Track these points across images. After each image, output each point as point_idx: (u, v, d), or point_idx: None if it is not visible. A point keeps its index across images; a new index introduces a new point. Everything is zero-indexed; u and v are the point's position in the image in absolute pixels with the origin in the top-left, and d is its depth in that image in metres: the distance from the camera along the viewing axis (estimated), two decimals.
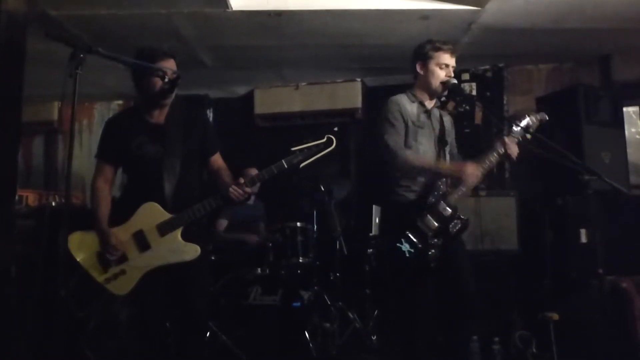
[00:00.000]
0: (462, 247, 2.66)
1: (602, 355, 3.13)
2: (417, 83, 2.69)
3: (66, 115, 2.02)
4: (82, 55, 1.86)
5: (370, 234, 4.26)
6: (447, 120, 2.78)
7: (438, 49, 2.59)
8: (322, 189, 4.07)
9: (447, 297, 2.53)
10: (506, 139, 2.51)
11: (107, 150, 2.46)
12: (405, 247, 2.42)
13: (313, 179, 4.11)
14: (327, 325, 3.79)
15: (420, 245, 2.43)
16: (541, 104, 4.21)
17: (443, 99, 2.86)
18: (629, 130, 4.24)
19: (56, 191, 5.02)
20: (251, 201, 4.47)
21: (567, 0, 3.45)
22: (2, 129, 2.62)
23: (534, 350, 3.50)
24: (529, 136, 2.54)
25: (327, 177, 4.27)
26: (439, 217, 2.49)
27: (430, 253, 2.44)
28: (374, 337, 3.87)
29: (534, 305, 3.64)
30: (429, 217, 2.48)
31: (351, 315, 3.96)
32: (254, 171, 2.41)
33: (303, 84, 5.15)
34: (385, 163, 2.61)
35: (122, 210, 2.36)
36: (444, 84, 2.59)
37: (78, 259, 2.31)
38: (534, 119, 2.57)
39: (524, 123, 2.52)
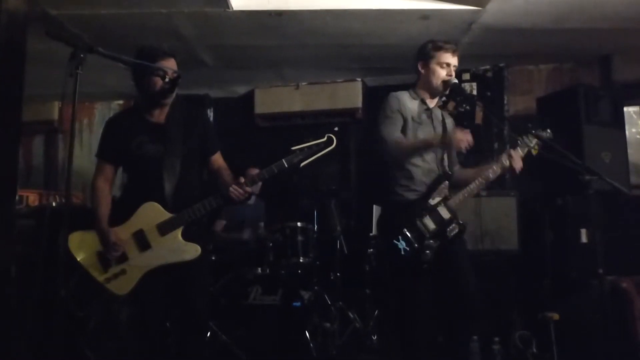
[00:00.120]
0: (463, 248, 2.66)
1: (602, 355, 3.14)
2: (418, 82, 2.69)
3: (66, 115, 2.03)
4: (82, 55, 1.86)
5: (371, 234, 4.26)
6: (450, 122, 2.78)
7: (439, 48, 2.59)
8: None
9: (447, 297, 2.53)
10: (512, 152, 2.54)
11: (107, 149, 2.46)
12: (402, 244, 2.43)
13: (313, 178, 4.11)
14: (327, 325, 3.79)
15: (416, 245, 2.43)
16: (541, 104, 4.23)
17: (444, 98, 2.86)
18: (630, 131, 4.24)
19: (56, 191, 5.02)
20: (252, 201, 4.47)
21: (567, 0, 3.46)
22: (2, 129, 2.61)
23: (534, 350, 3.50)
24: (534, 152, 2.58)
25: (327, 177, 4.27)
26: (438, 219, 2.50)
27: (425, 253, 2.44)
28: (374, 337, 3.87)
29: (534, 305, 3.64)
30: (428, 218, 2.49)
31: (351, 315, 3.96)
32: (255, 171, 2.40)
33: (303, 83, 5.15)
34: (385, 163, 2.61)
35: (123, 210, 2.36)
36: (445, 82, 2.59)
37: (78, 259, 2.31)
38: (541, 136, 2.60)
39: (533, 142, 2.57)
